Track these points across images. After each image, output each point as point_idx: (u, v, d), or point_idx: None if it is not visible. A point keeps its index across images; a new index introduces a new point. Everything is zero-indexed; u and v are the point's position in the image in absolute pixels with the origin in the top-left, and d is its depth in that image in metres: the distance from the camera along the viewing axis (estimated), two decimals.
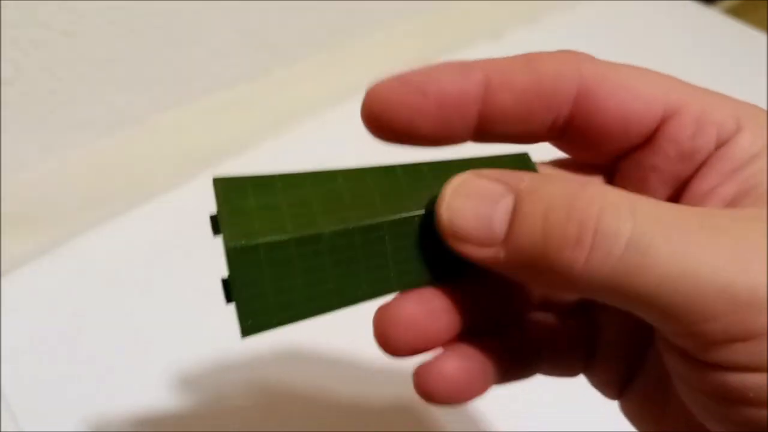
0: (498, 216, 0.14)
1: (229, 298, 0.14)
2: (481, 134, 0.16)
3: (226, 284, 0.14)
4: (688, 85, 0.15)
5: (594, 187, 0.13)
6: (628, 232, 0.12)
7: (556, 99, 0.15)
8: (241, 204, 0.14)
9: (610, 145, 0.16)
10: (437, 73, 0.15)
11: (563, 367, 0.18)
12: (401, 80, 0.15)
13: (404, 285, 0.16)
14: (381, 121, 0.15)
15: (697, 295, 0.12)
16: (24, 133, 0.36)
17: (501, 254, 0.14)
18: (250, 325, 0.14)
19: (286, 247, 0.14)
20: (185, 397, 0.30)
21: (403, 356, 0.16)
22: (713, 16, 0.59)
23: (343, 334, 0.33)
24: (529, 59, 0.15)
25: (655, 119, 0.15)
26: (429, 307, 0.16)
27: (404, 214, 0.15)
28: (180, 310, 0.33)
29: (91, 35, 0.35)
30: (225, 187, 0.15)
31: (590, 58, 0.16)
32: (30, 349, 0.31)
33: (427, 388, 0.16)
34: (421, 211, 0.15)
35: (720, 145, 0.15)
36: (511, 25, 0.53)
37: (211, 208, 0.16)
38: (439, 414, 0.30)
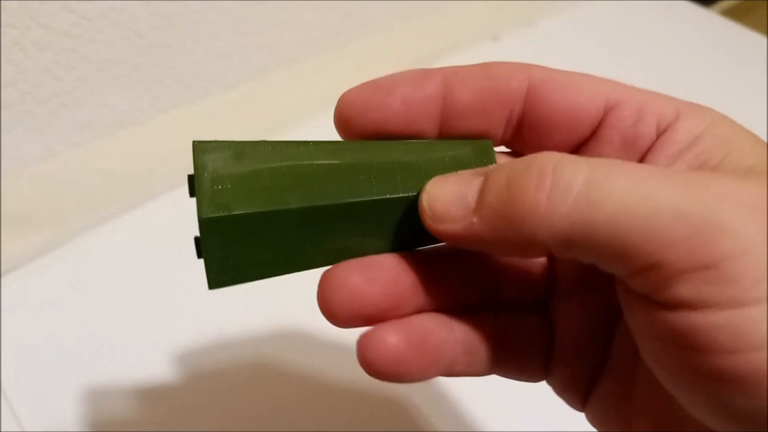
0: (471, 192, 0.15)
1: (200, 255, 0.16)
2: (445, 132, 0.17)
3: (198, 242, 0.15)
4: (629, 86, 0.17)
5: (551, 151, 0.14)
6: (584, 173, 0.13)
7: (509, 95, 0.17)
8: (216, 171, 0.16)
9: (560, 139, 0.17)
10: (401, 77, 0.17)
11: (522, 368, 0.18)
12: (369, 85, 0.17)
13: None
14: (352, 122, 0.17)
15: (654, 221, 0.12)
16: (25, 134, 0.36)
17: (474, 220, 0.14)
18: (216, 279, 0.16)
19: (255, 219, 0.15)
20: (185, 397, 0.30)
21: (345, 323, 0.16)
22: (710, 17, 0.59)
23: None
24: (483, 65, 0.17)
25: (599, 110, 0.17)
26: (371, 275, 0.16)
27: (370, 197, 0.16)
28: (180, 310, 0.33)
29: (92, 37, 0.35)
30: (203, 150, 0.16)
31: (540, 66, 0.17)
32: (30, 349, 0.31)
33: (367, 356, 0.16)
34: (386, 196, 0.16)
35: (661, 132, 0.16)
36: (509, 27, 0.54)
37: None
38: (429, 412, 0.30)
